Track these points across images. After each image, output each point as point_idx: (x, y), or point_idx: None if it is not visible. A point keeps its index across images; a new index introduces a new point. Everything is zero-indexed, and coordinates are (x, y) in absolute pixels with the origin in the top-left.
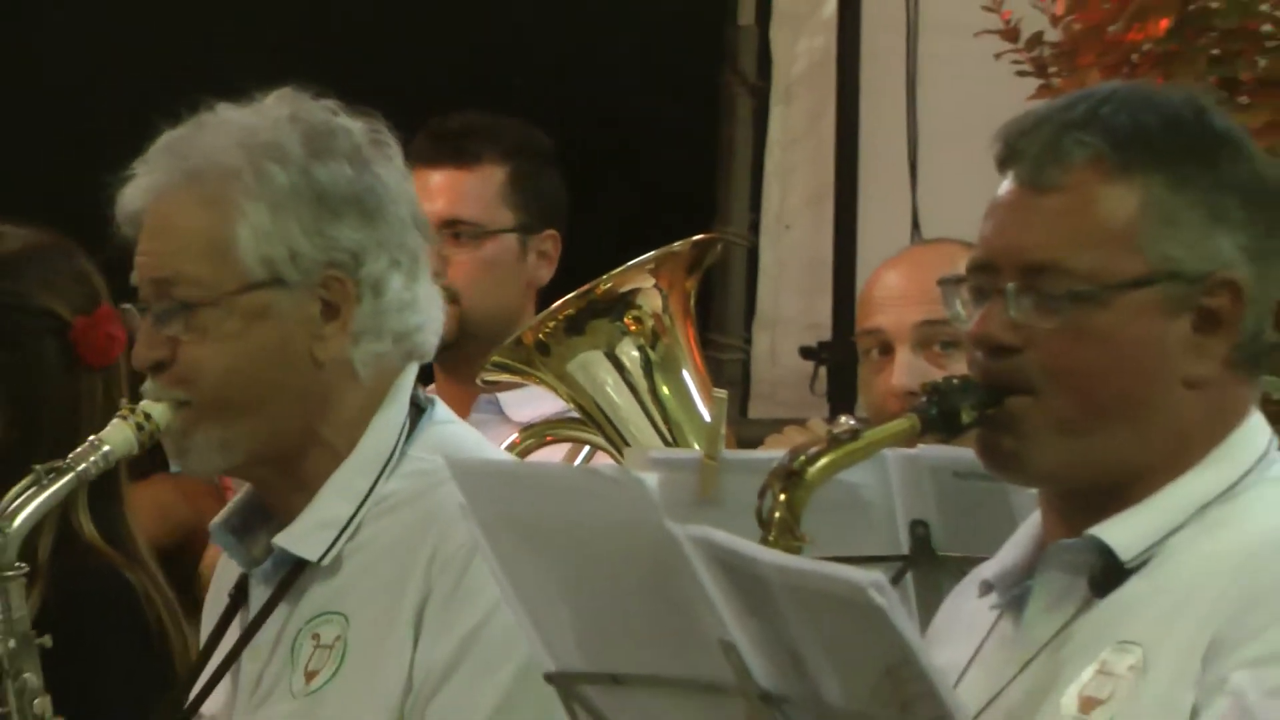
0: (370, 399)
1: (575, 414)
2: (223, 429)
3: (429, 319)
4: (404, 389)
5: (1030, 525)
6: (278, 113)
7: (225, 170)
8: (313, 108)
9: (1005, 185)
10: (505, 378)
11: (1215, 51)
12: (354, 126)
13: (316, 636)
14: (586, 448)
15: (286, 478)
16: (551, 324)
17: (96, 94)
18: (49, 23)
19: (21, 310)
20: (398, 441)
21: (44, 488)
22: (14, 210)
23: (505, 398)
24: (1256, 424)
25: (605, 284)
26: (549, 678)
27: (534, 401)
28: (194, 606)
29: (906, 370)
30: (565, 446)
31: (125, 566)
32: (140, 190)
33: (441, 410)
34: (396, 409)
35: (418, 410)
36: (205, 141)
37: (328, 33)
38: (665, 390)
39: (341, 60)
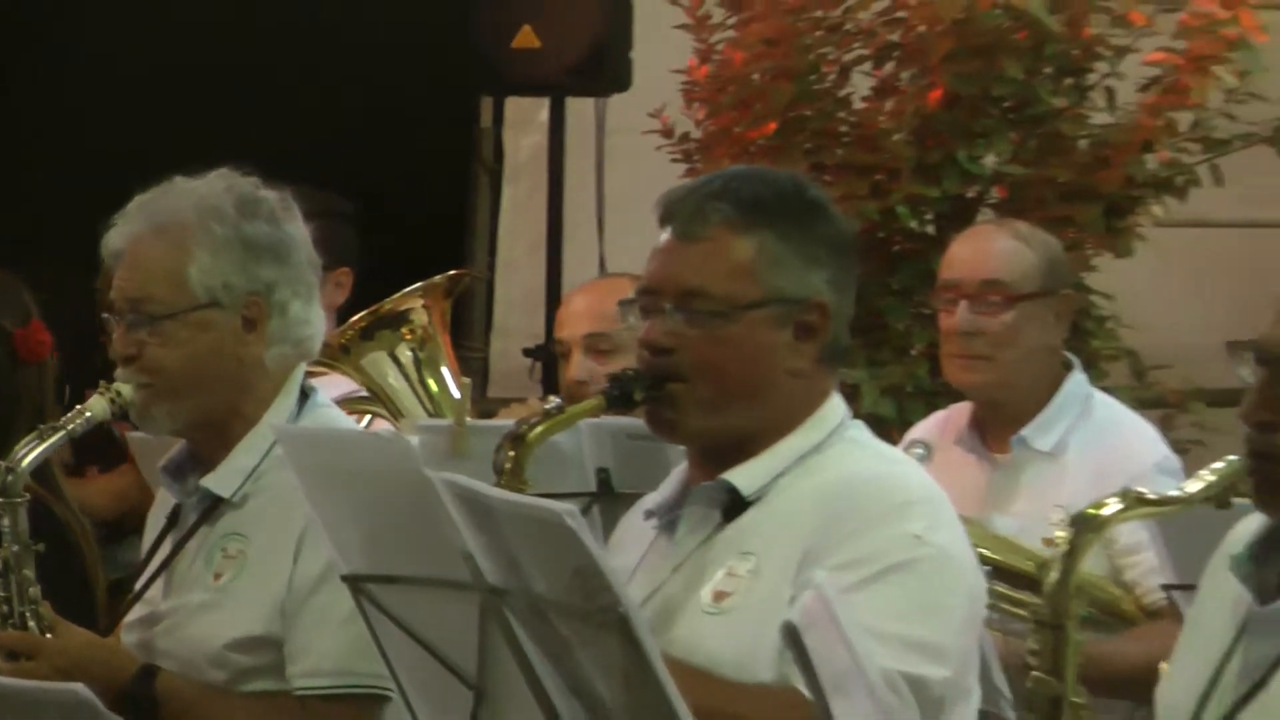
0: (274, 386)
1: (365, 394)
2: (172, 405)
3: (317, 331)
4: (297, 379)
5: (680, 471)
6: (219, 184)
7: (182, 224)
8: (243, 181)
9: (664, 236)
10: (317, 369)
11: (808, 145)
12: (270, 195)
13: (225, 549)
14: (369, 417)
15: (214, 439)
16: (350, 333)
17: None
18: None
19: None
20: (290, 417)
21: (44, 439)
22: None
23: (313, 383)
24: (836, 401)
25: (387, 305)
26: (343, 578)
27: (333, 387)
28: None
29: (577, 367)
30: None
31: (51, 501)
32: (121, 235)
33: (321, 396)
34: (291, 394)
35: (304, 395)
36: (168, 203)
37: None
38: (429, 379)
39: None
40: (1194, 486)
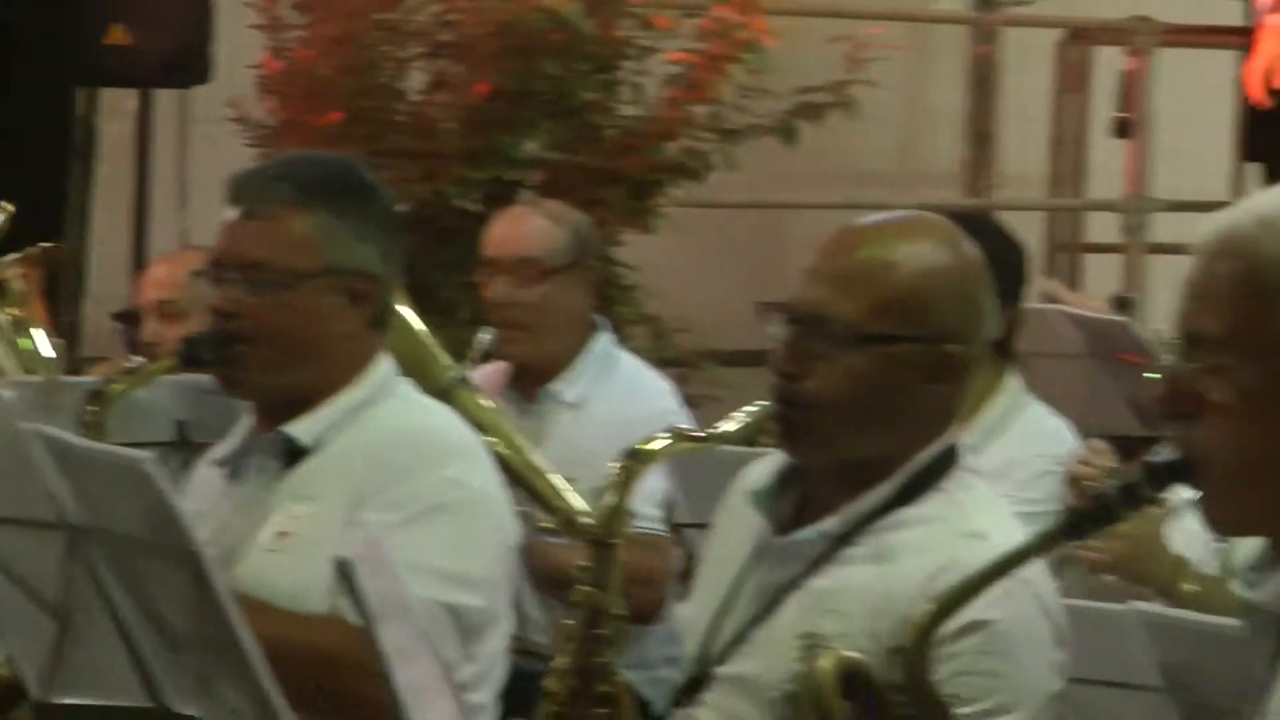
0: None
1: None
2: None
3: None
4: None
5: (246, 422)
6: None
7: None
8: None
9: (232, 213)
10: None
11: (369, 133)
12: None
13: None
14: None
15: None
16: None
17: None
18: None
19: None
20: None
21: None
22: None
23: None
24: (385, 361)
25: None
26: None
27: None
28: None
29: (148, 331)
30: None
31: None
32: None
33: None
34: None
35: None
36: None
37: None
38: (24, 340)
39: None
40: (729, 426)
